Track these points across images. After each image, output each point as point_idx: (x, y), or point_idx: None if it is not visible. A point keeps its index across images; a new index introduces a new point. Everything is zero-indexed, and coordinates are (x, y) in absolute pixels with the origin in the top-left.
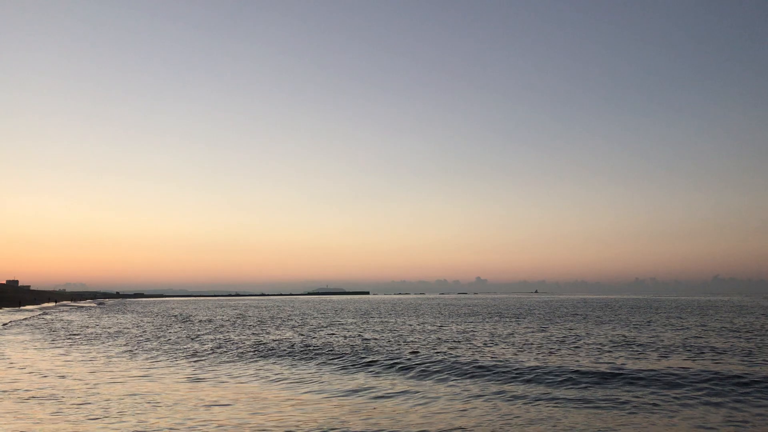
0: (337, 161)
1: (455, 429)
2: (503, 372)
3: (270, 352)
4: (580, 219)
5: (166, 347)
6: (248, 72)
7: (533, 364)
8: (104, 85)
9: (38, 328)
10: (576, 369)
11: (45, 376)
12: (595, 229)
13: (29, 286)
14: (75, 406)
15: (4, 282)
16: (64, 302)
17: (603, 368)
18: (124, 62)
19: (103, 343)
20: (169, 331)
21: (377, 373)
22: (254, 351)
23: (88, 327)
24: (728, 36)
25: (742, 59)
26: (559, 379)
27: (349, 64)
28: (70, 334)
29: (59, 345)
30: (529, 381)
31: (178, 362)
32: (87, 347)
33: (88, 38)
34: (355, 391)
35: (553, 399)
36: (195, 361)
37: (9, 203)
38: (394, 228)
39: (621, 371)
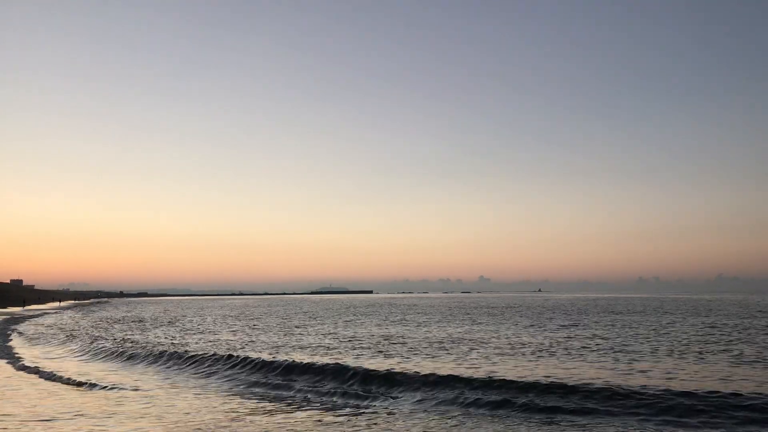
0: (341, 161)
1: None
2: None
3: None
4: (584, 218)
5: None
6: (252, 70)
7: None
8: (107, 84)
9: (61, 331)
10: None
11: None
12: (598, 227)
13: (33, 286)
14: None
15: (9, 281)
16: (69, 302)
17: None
18: (126, 61)
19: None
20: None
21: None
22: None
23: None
24: (728, 35)
25: (743, 60)
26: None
27: (353, 63)
28: (94, 336)
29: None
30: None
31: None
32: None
33: (91, 37)
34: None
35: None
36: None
37: (12, 203)
38: (398, 227)
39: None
